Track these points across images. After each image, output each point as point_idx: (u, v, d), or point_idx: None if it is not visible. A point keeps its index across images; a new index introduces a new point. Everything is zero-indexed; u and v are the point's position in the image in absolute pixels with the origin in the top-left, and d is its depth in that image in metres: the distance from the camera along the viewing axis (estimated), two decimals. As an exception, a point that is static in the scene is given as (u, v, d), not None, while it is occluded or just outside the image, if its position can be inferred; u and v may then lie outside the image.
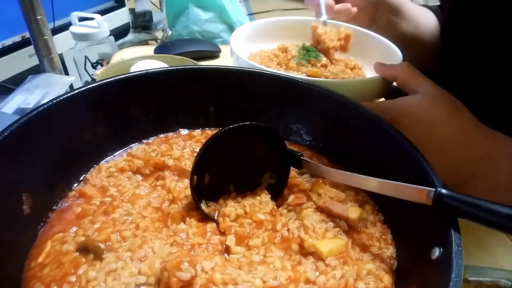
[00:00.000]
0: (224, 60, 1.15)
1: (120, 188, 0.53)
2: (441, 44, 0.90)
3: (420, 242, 0.44)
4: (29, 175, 0.46)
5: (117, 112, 0.59)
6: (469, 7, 0.77)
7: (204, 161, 0.49)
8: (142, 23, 2.31)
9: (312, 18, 0.99)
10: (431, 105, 0.61)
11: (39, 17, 1.08)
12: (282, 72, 0.78)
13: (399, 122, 0.59)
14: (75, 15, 1.13)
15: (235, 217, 0.49)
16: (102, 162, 0.58)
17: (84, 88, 0.54)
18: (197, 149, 0.57)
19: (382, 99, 0.79)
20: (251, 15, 3.23)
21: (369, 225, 0.50)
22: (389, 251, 0.47)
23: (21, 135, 0.45)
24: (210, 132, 0.66)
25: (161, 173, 0.56)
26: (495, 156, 0.58)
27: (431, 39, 0.94)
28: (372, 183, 0.46)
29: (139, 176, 0.56)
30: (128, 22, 2.20)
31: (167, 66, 0.82)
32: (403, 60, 0.80)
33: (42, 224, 0.47)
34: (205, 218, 0.50)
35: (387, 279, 0.44)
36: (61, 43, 1.44)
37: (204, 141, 0.55)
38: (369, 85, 0.75)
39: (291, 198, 0.53)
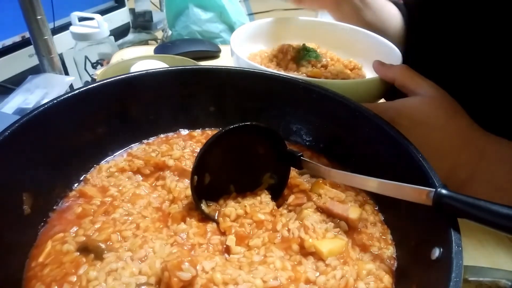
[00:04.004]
0: (224, 60, 1.15)
1: (120, 188, 0.53)
2: (405, 42, 0.91)
3: (420, 242, 0.44)
4: (29, 175, 0.46)
5: (117, 112, 0.59)
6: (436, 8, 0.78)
7: (205, 161, 0.49)
8: (142, 23, 2.30)
9: (313, 18, 0.99)
10: (430, 108, 0.61)
11: (39, 17, 1.08)
12: (282, 72, 0.78)
13: (398, 123, 0.59)
14: (75, 15, 1.13)
15: (236, 217, 0.49)
16: (102, 162, 0.58)
17: (84, 88, 0.54)
18: (198, 149, 0.58)
19: (382, 100, 0.79)
20: (251, 15, 3.23)
21: (369, 225, 0.51)
22: (389, 251, 0.48)
23: (21, 135, 0.45)
24: (210, 132, 0.66)
25: (161, 173, 0.56)
26: (491, 158, 0.59)
27: (395, 33, 0.94)
28: (372, 184, 0.46)
29: (140, 176, 0.56)
30: (128, 22, 2.19)
31: (167, 66, 0.82)
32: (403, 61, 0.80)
33: (42, 224, 0.47)
34: (205, 218, 0.50)
35: (387, 279, 0.44)
36: (61, 43, 1.44)
37: (204, 141, 0.55)
38: (369, 85, 0.76)
39: (291, 198, 0.53)
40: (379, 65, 0.73)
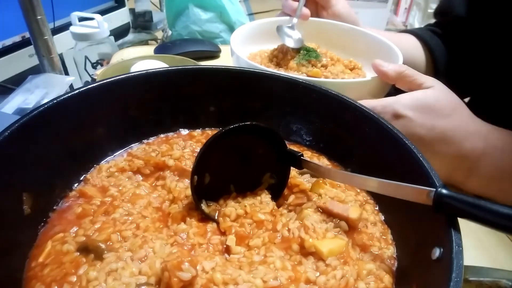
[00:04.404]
0: (224, 60, 1.15)
1: (120, 188, 0.53)
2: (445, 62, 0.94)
3: (420, 242, 0.44)
4: (29, 175, 0.46)
5: (117, 112, 0.59)
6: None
7: (205, 161, 0.49)
8: (142, 23, 2.30)
9: (313, 18, 0.99)
10: (434, 98, 0.64)
11: (39, 17, 1.08)
12: (282, 72, 0.78)
13: (402, 115, 0.61)
14: (75, 15, 1.13)
15: (236, 217, 0.49)
16: (102, 162, 0.58)
17: (84, 88, 0.54)
18: (198, 149, 0.57)
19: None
20: (251, 15, 3.23)
21: (370, 225, 0.51)
22: (390, 251, 0.48)
23: (21, 135, 0.45)
24: (210, 132, 0.66)
25: (161, 173, 0.56)
26: (495, 143, 0.63)
27: (416, 62, 0.96)
28: (372, 183, 0.46)
29: (140, 176, 0.56)
30: (128, 22, 2.19)
31: (167, 66, 0.82)
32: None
33: (42, 224, 0.47)
34: (205, 218, 0.50)
35: (387, 279, 0.44)
36: (61, 43, 1.44)
37: (204, 141, 0.55)
38: (369, 85, 0.76)
39: (291, 198, 0.53)
40: (378, 66, 0.73)
